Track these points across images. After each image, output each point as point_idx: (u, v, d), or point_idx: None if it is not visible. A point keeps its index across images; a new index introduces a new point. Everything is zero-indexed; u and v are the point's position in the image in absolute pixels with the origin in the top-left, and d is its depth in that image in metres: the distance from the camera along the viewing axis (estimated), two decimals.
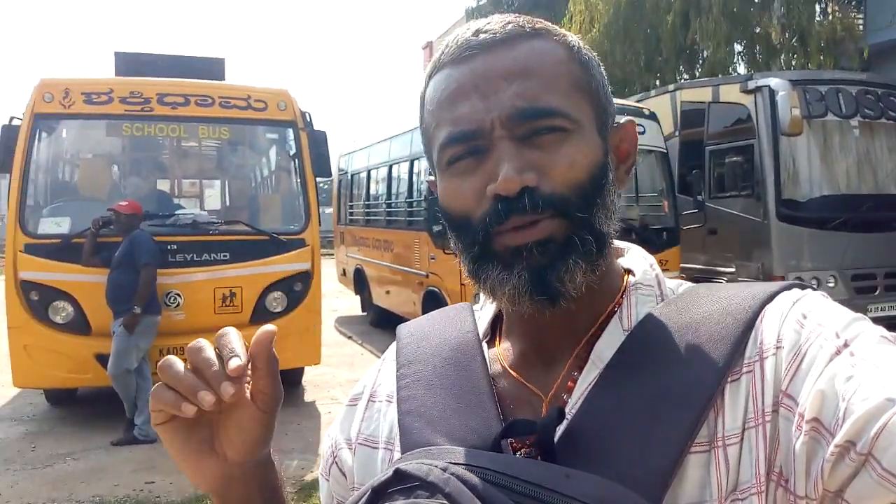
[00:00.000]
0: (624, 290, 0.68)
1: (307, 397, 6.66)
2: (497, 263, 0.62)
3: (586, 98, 0.65)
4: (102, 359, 5.23)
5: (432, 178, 0.72)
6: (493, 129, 0.61)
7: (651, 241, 7.03)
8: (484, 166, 0.62)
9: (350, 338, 9.73)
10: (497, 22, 0.65)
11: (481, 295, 0.78)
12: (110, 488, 4.37)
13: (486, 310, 0.77)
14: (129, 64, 6.68)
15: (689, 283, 0.70)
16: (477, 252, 0.63)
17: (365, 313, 11.01)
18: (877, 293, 7.02)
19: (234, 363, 0.58)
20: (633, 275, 0.69)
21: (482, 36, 0.64)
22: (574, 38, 0.68)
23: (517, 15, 0.67)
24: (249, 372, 0.61)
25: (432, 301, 7.50)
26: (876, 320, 0.56)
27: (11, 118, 5.77)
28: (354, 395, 0.78)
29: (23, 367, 5.43)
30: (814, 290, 0.62)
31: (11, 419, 5.96)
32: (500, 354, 0.71)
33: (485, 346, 0.72)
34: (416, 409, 0.67)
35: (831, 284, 6.91)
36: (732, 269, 7.48)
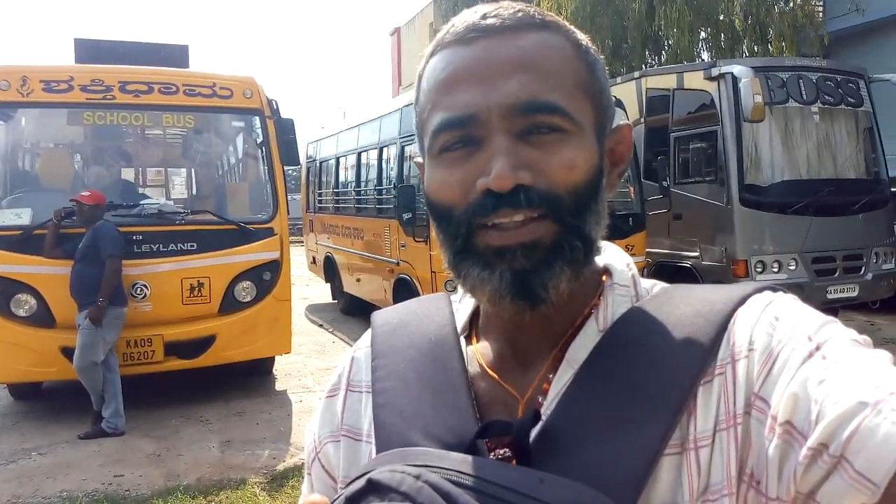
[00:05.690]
0: (601, 291, 0.67)
1: (278, 386, 6.64)
2: (478, 261, 0.61)
3: (589, 100, 0.63)
4: (68, 352, 5.15)
5: (420, 160, 0.70)
6: (491, 119, 0.59)
7: (617, 226, 7.12)
8: (476, 158, 0.60)
9: (321, 326, 9.70)
10: (507, 7, 0.63)
11: (459, 287, 0.79)
12: (78, 483, 4.32)
13: (464, 303, 0.75)
14: (90, 51, 6.52)
15: (664, 284, 0.70)
16: (459, 246, 0.62)
17: (336, 301, 10.98)
18: (836, 275, 7.16)
19: None
20: (610, 275, 0.68)
21: (489, 20, 0.61)
22: (583, 36, 0.66)
23: (526, 4, 0.65)
24: None
25: (403, 288, 7.51)
26: (835, 301, 0.56)
27: None
28: (333, 386, 0.75)
29: None
30: (785, 293, 0.61)
31: None
32: (478, 352, 0.69)
33: (462, 341, 0.70)
34: (392, 402, 0.66)
35: (792, 267, 7.08)
36: (696, 254, 7.62)
